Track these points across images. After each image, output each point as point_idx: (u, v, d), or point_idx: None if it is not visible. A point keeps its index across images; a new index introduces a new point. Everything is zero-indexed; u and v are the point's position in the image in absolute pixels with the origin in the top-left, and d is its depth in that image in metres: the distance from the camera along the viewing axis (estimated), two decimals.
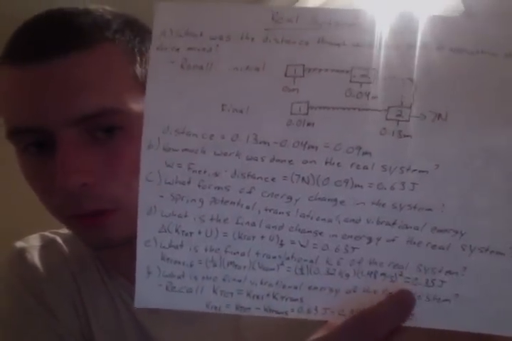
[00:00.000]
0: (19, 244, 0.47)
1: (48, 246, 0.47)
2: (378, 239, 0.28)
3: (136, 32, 0.40)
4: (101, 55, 0.37)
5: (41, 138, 0.37)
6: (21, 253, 0.46)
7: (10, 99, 0.38)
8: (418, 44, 0.27)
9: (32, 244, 0.47)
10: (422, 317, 0.28)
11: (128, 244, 0.38)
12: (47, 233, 0.49)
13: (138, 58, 0.39)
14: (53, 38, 0.36)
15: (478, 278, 0.27)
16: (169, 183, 0.29)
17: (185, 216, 0.29)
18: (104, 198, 0.37)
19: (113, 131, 0.37)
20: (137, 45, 0.39)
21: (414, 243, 0.28)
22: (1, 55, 0.39)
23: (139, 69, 0.38)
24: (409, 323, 0.28)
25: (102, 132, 0.37)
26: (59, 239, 0.48)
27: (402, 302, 0.28)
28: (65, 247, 0.47)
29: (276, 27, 0.27)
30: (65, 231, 0.49)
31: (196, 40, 0.28)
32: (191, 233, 0.29)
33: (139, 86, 0.38)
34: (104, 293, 0.45)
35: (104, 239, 0.39)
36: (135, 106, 0.37)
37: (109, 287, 0.45)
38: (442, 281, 0.28)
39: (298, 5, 1.47)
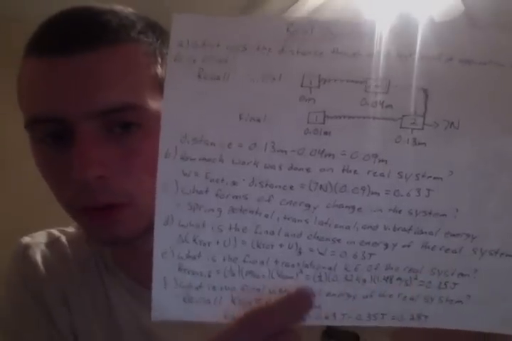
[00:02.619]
0: (25, 239, 0.51)
1: (52, 245, 0.51)
2: (394, 245, 0.31)
3: (157, 34, 0.44)
4: (125, 53, 0.41)
5: (59, 129, 0.40)
6: (25, 249, 0.50)
7: (33, 89, 0.41)
8: (429, 55, 0.31)
9: (37, 241, 0.51)
10: (435, 318, 0.31)
11: (130, 244, 0.43)
12: (54, 230, 0.53)
13: (159, 59, 0.43)
14: (81, 32, 0.40)
15: (489, 280, 0.31)
16: (186, 193, 0.31)
17: (203, 226, 0.31)
18: (117, 192, 0.40)
19: (130, 128, 0.41)
20: (158, 46, 0.43)
21: (429, 247, 0.31)
22: (26, 48, 0.42)
23: (159, 70, 0.42)
24: (422, 324, 0.31)
25: (119, 128, 0.40)
26: (64, 239, 0.52)
27: (295, 303, 0.31)
28: (68, 247, 0.51)
29: (291, 38, 0.31)
30: (71, 229, 0.53)
31: (213, 50, 0.31)
32: (209, 243, 0.31)
33: (159, 86, 0.41)
34: (102, 294, 0.48)
35: (113, 235, 0.42)
36: (154, 104, 0.41)
37: (108, 288, 0.49)
38: (455, 283, 0.31)
39: (298, 5, 1.52)
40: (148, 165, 0.31)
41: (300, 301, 0.31)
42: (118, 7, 0.44)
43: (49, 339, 0.47)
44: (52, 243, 0.51)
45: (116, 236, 0.42)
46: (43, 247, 0.51)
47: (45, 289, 0.48)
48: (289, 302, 0.30)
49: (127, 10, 0.44)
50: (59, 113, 0.39)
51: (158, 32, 0.44)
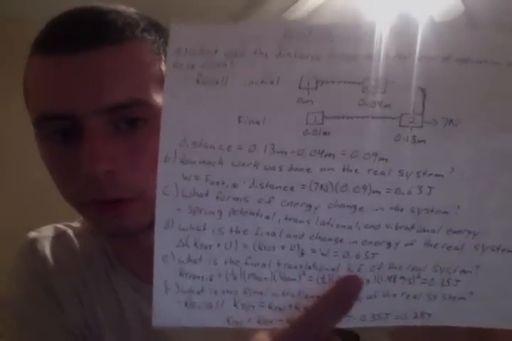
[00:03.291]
0: (32, 234, 0.53)
1: (59, 238, 0.53)
2: (397, 244, 0.31)
3: (160, 33, 0.46)
4: (131, 51, 0.42)
5: (67, 126, 0.42)
6: (33, 243, 0.52)
7: (40, 87, 0.43)
8: (425, 55, 0.31)
9: (44, 235, 0.53)
10: (438, 315, 0.32)
11: (134, 236, 0.44)
12: (60, 225, 0.55)
13: (163, 57, 0.44)
14: (87, 31, 0.41)
15: (490, 276, 0.32)
16: (187, 196, 0.32)
17: (204, 229, 0.32)
18: (125, 187, 0.42)
19: (136, 123, 0.42)
20: (161, 44, 0.45)
21: (431, 245, 0.32)
22: (31, 48, 0.44)
23: (163, 67, 0.44)
24: (426, 322, 0.32)
25: (125, 124, 0.42)
26: (70, 232, 0.53)
27: (340, 295, 0.31)
28: (75, 241, 0.53)
29: (288, 43, 0.31)
30: (77, 224, 0.55)
31: (211, 56, 0.32)
32: (210, 246, 0.32)
33: (163, 83, 0.42)
34: (109, 287, 0.50)
35: (121, 227, 0.43)
36: (160, 100, 0.42)
37: (113, 281, 0.50)
38: (457, 280, 0.32)
39: (298, 5, 1.52)
40: (155, 160, 0.32)
41: (344, 292, 0.31)
42: (121, 7, 0.45)
43: (62, 328, 0.48)
44: (59, 236, 0.53)
45: (123, 228, 0.43)
46: (50, 241, 0.52)
47: (55, 282, 0.50)
48: (335, 297, 0.31)
49: (130, 9, 0.46)
50: (67, 110, 0.41)
51: (160, 30, 0.46)
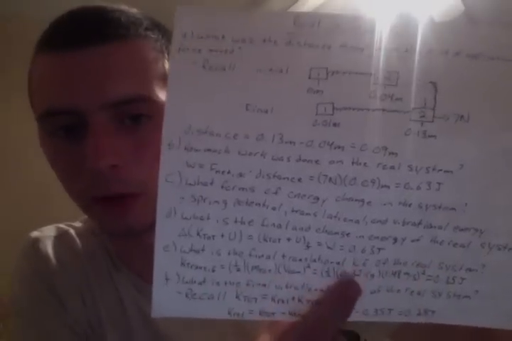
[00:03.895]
0: (34, 233, 0.53)
1: (61, 238, 0.53)
2: (403, 239, 0.31)
3: (162, 32, 0.46)
4: (135, 48, 0.43)
5: (72, 121, 0.42)
6: (35, 243, 0.52)
7: (46, 83, 0.43)
8: (437, 49, 0.31)
9: (46, 234, 0.53)
10: (443, 313, 0.32)
11: (137, 236, 0.44)
12: (61, 225, 0.55)
13: (166, 55, 0.45)
14: (91, 28, 0.42)
15: (496, 275, 0.32)
16: (190, 184, 0.31)
17: (208, 218, 0.31)
18: (130, 182, 0.42)
19: (140, 119, 0.42)
20: (164, 43, 0.45)
21: (437, 242, 0.31)
22: (36, 46, 0.44)
23: (166, 65, 0.44)
24: (429, 319, 0.32)
25: (129, 119, 0.42)
26: (72, 232, 0.54)
27: (342, 301, 0.31)
28: (77, 240, 0.53)
29: (298, 31, 0.31)
30: (78, 224, 0.55)
31: (218, 42, 0.31)
32: (214, 236, 0.31)
33: (167, 80, 0.43)
34: (111, 286, 0.50)
35: (125, 227, 0.43)
36: (163, 97, 0.42)
37: (116, 281, 0.51)
38: (462, 278, 0.32)
39: (298, 5, 1.52)
40: (159, 155, 0.31)
41: (345, 296, 0.31)
42: (124, 6, 0.46)
43: (65, 327, 0.49)
44: (61, 236, 0.53)
45: (128, 229, 0.43)
46: (52, 240, 0.53)
47: (57, 281, 0.50)
48: (337, 302, 0.31)
49: (132, 9, 0.46)
50: (72, 105, 0.41)
51: (163, 30, 0.47)
